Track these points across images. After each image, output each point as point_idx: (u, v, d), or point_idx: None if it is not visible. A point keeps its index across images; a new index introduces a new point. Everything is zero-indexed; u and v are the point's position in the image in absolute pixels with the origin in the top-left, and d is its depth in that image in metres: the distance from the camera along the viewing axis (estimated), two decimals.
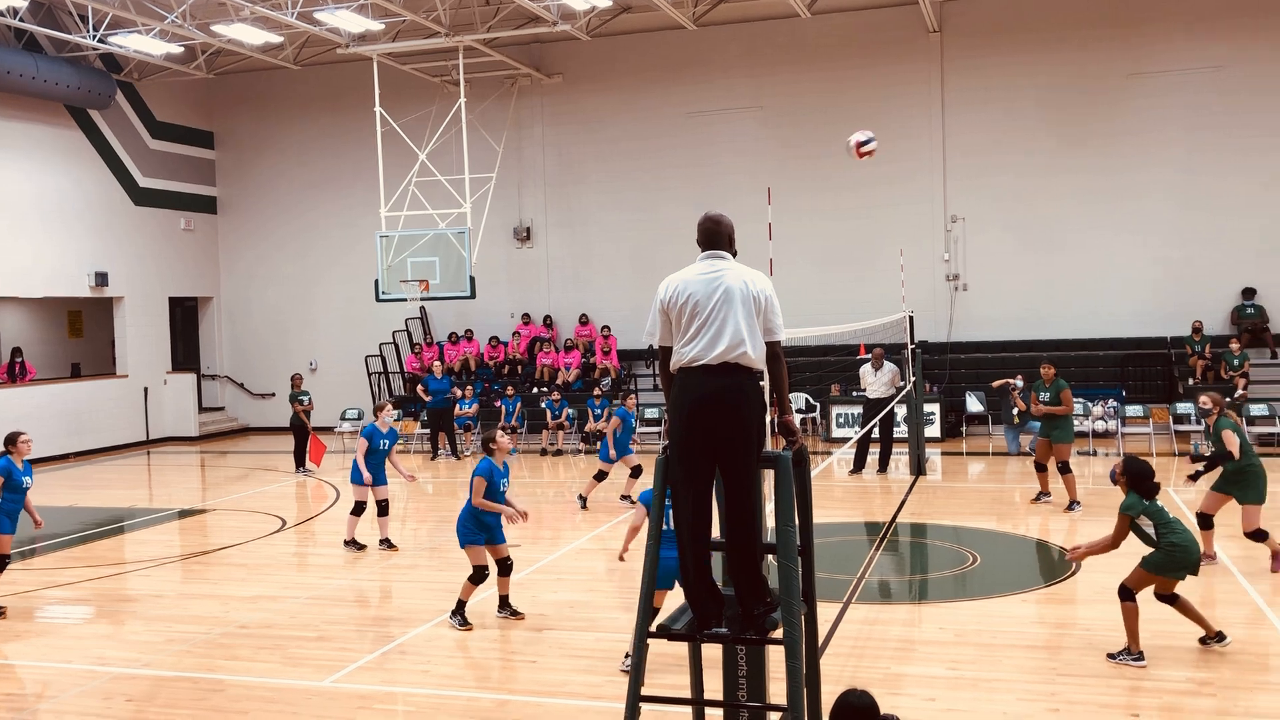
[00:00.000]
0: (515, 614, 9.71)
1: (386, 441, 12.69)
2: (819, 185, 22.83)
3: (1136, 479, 8.12)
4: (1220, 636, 8.17)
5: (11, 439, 10.48)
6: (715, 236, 5.57)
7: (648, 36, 23.55)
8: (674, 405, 5.46)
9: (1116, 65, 21.40)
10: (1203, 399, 10.84)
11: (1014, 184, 22.05)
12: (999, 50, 22.03)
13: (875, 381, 17.22)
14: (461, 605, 9.49)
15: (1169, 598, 8.16)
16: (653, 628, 5.43)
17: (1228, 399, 16.44)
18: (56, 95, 22.41)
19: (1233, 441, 10.34)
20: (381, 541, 12.77)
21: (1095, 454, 18.77)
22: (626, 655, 8.20)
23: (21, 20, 19.82)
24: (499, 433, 9.84)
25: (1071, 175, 21.74)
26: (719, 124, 23.52)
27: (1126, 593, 8.08)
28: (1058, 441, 14.02)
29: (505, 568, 9.73)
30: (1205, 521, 10.69)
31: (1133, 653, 7.98)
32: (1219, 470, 10.61)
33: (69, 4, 20.13)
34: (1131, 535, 8.13)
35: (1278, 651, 8.36)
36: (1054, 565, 11.41)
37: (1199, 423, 18.73)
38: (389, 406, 13.01)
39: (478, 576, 9.48)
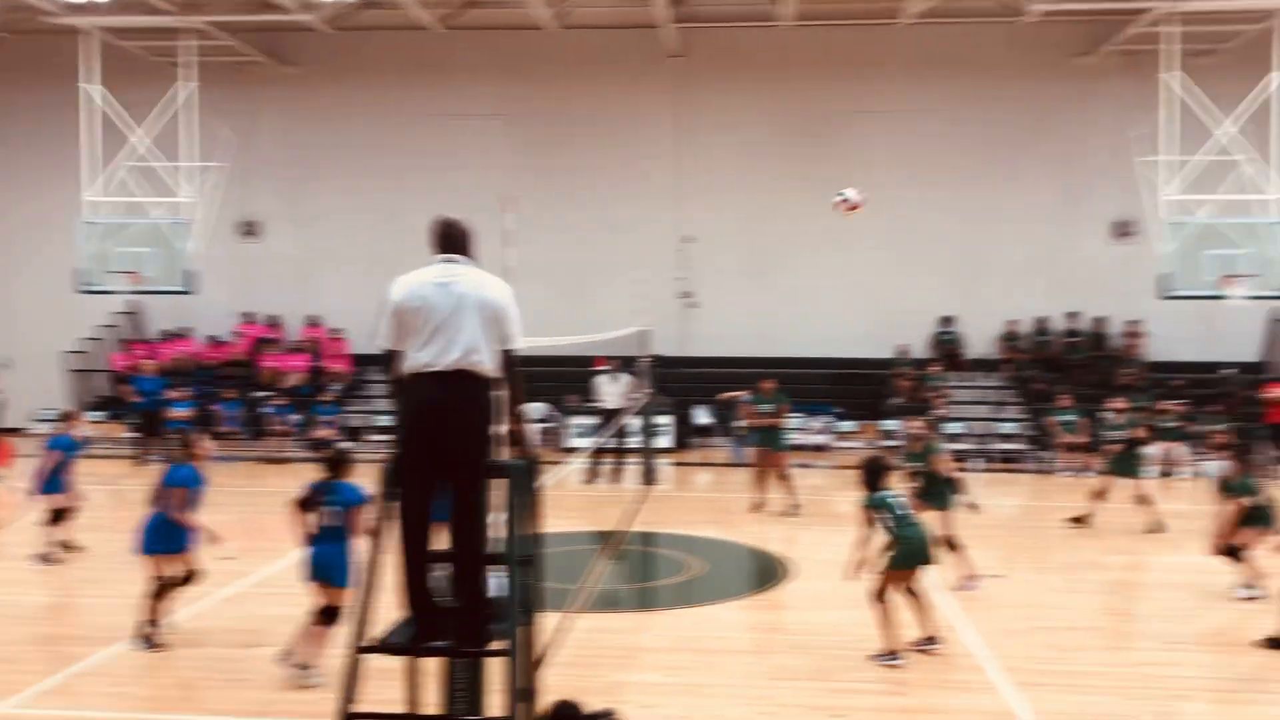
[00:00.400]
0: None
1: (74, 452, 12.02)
2: (559, 198, 23.03)
3: (863, 474, 8.82)
4: (931, 640, 8.71)
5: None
6: (452, 240, 5.47)
7: (393, 34, 23.02)
8: (402, 412, 5.32)
9: (839, 103, 22.79)
10: (911, 424, 11.69)
11: (744, 209, 23.03)
12: (735, 79, 22.97)
13: (611, 392, 17.52)
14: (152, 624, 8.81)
15: (883, 597, 8.62)
16: (368, 642, 5.26)
17: (926, 418, 17.79)
18: None
19: (943, 464, 11.06)
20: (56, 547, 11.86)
21: (812, 466, 19.82)
22: (304, 666, 7.86)
23: None
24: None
25: (797, 203, 22.92)
26: (462, 129, 23.28)
27: (876, 595, 8.55)
28: (776, 451, 14.76)
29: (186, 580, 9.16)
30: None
31: (894, 654, 8.37)
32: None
33: None
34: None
35: (964, 653, 9.06)
36: (770, 571, 11.93)
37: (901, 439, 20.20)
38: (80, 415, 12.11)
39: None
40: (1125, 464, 14.14)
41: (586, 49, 22.98)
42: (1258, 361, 22.04)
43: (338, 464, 8.25)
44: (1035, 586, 11.22)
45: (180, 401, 20.32)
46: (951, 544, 10.99)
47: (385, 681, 6.14)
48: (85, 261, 19.12)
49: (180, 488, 8.87)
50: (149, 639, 8.68)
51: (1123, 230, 22.23)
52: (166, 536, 8.86)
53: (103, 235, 19.01)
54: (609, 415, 17.45)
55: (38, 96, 23.32)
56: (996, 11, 21.59)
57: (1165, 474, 18.61)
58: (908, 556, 8.56)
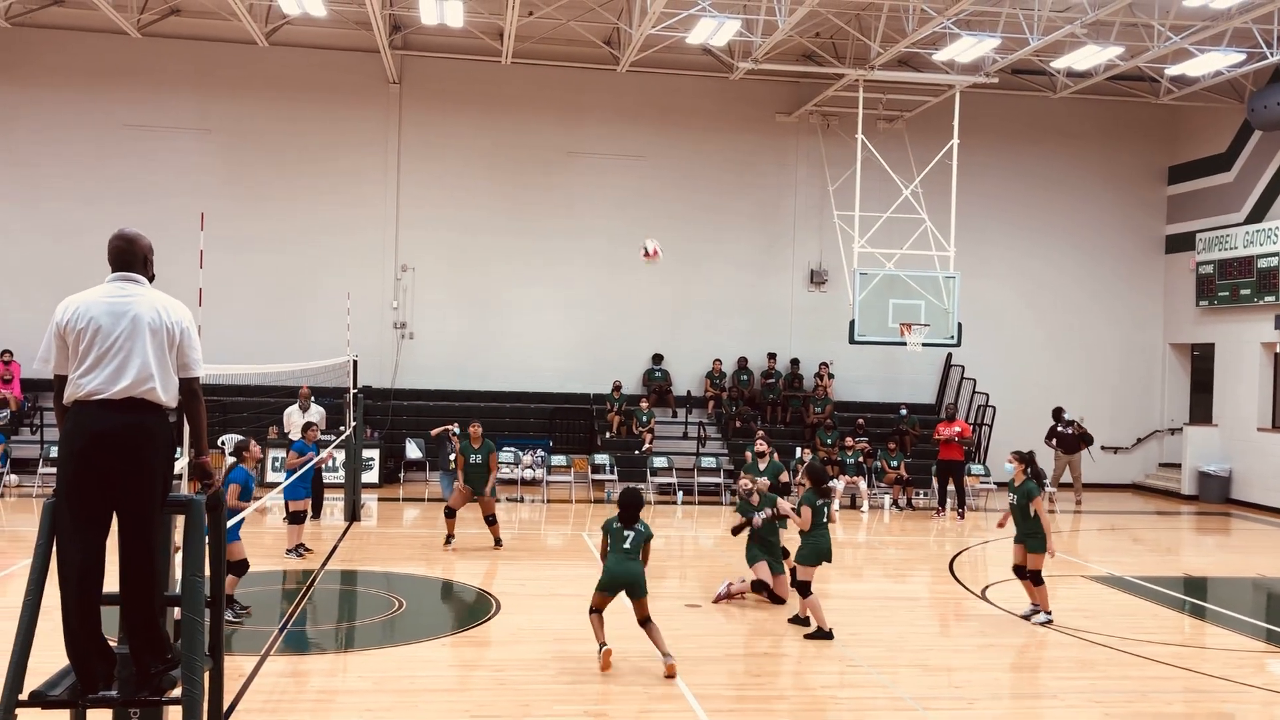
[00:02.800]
0: None
1: None
2: (267, 219, 22.11)
3: (815, 476, 10.89)
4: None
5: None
6: (128, 256, 5.09)
7: (83, 36, 21.37)
8: (66, 441, 4.87)
9: (555, 142, 23.18)
10: (759, 444, 13.68)
11: (462, 240, 22.92)
12: (455, 110, 22.89)
13: (300, 424, 16.88)
14: None
15: (804, 586, 10.55)
16: (24, 695, 4.76)
17: (636, 452, 18.30)
18: None
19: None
20: None
21: (522, 500, 19.85)
22: None
23: None
24: None
25: (513, 238, 23.08)
26: (160, 141, 21.89)
27: (804, 588, 10.54)
28: (482, 496, 14.75)
29: None
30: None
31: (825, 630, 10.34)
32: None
33: None
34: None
35: (664, 682, 9.27)
36: (476, 607, 11.79)
37: (612, 472, 20.62)
38: None
39: None
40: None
41: (300, 68, 22.23)
42: (931, 403, 24.14)
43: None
44: (736, 617, 11.65)
45: None
46: None
47: None
48: None
49: None
50: None
51: (818, 278, 23.80)
52: None
53: None
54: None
55: None
56: (708, 67, 22.70)
57: (847, 505, 20.04)
58: (814, 556, 10.71)
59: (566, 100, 23.17)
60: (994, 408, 23.16)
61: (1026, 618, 11.41)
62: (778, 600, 11.79)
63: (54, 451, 19.09)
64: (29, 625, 4.80)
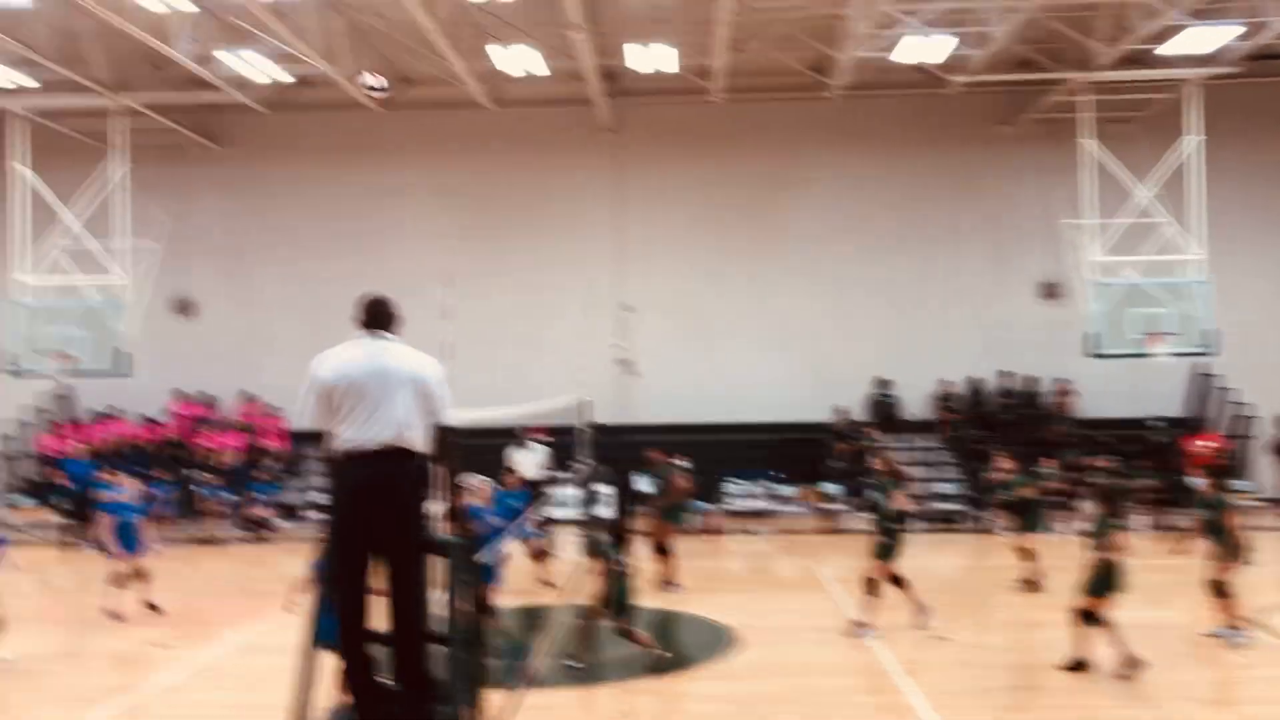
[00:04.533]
0: None
1: None
2: (498, 271, 23.18)
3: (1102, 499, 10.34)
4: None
5: None
6: (379, 317, 5.50)
7: (329, 113, 23.12)
8: (334, 492, 5.29)
9: (772, 173, 23.30)
10: (876, 462, 12.47)
11: (682, 276, 23.35)
12: (671, 151, 23.41)
13: (526, 462, 17.55)
14: None
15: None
16: None
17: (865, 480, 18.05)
18: None
19: (903, 500, 11.79)
20: None
21: (752, 533, 19.87)
22: None
23: None
24: None
25: (732, 270, 23.32)
26: (398, 206, 23.39)
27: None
28: (667, 521, 14.82)
29: None
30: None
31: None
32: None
33: None
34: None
35: (912, 717, 9.09)
36: (719, 641, 11.88)
37: (842, 500, 20.39)
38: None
39: None
40: (1027, 520, 14.47)
41: (522, 125, 23.29)
42: (1182, 416, 22.64)
43: None
44: (976, 647, 11.32)
45: (114, 485, 19.85)
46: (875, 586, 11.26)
47: None
48: (14, 343, 18.76)
49: None
50: None
51: (1050, 291, 22.85)
52: None
53: (33, 316, 18.67)
54: (530, 486, 17.45)
55: None
56: (920, 83, 22.28)
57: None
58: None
59: (779, 131, 23.28)
60: (1255, 419, 21.48)
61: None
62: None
63: (318, 497, 20.58)
64: (309, 664, 5.23)
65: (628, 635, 9.94)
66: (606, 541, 9.79)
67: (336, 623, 5.25)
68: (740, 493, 20.68)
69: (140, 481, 20.48)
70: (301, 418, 5.37)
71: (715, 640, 11.92)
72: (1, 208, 20.19)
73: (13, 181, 19.29)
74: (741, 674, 10.44)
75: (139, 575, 13.36)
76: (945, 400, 22.74)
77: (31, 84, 19.17)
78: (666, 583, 14.52)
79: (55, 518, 20.14)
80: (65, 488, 19.72)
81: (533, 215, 23.48)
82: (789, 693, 9.52)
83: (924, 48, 18.07)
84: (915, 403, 23.14)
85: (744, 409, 23.02)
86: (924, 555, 17.53)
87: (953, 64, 20.13)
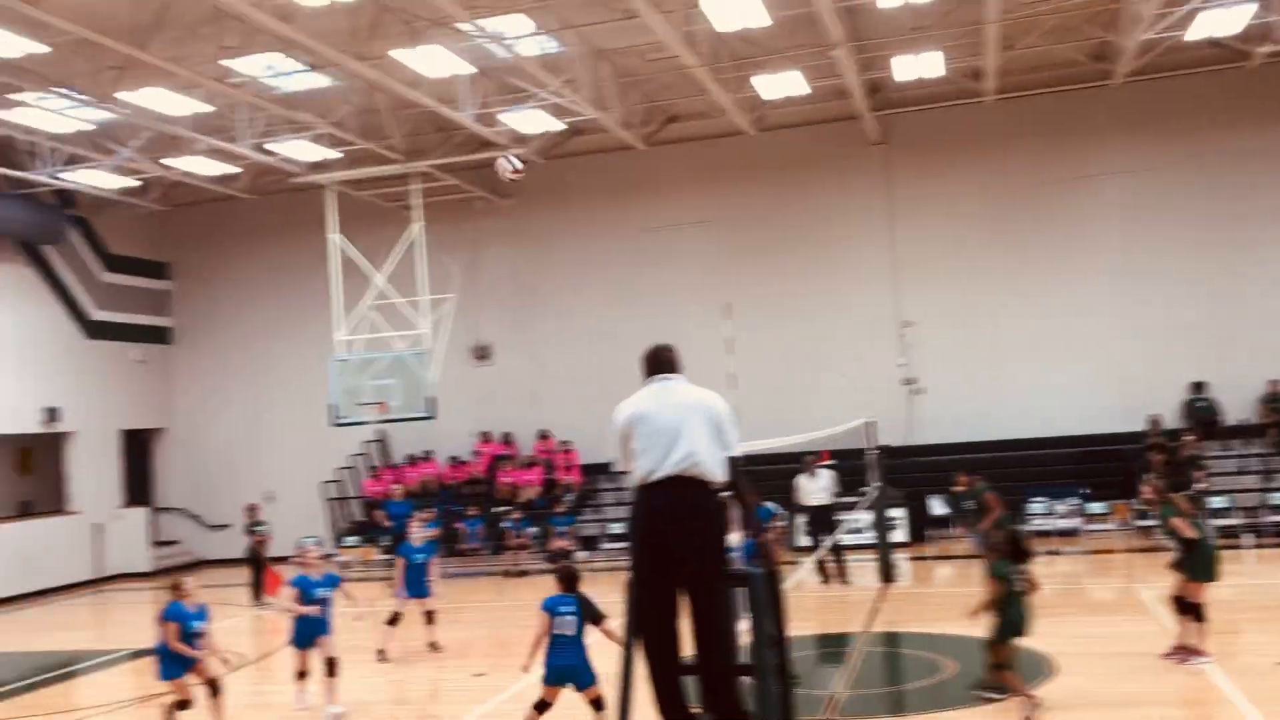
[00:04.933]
0: None
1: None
2: (775, 296, 23.16)
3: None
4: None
5: (176, 585, 10.33)
6: (663, 363, 5.67)
7: (600, 157, 24.01)
8: (632, 522, 5.39)
9: (1054, 171, 22.09)
10: (1143, 489, 11.24)
11: (963, 287, 22.48)
12: (943, 160, 22.69)
13: (813, 489, 17.29)
14: None
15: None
16: None
17: (1187, 492, 16.62)
18: (7, 232, 22.37)
19: (1182, 527, 10.50)
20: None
21: (1059, 553, 18.75)
22: None
23: None
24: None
25: (1016, 276, 22.23)
26: (672, 239, 23.88)
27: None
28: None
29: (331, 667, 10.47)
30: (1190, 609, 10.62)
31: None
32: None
33: (21, 141, 20.20)
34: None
35: None
36: (1031, 667, 11.25)
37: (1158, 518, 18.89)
38: (310, 547, 11.48)
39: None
40: None
41: (787, 148, 23.25)
42: None
43: (569, 578, 9.04)
44: None
45: (428, 522, 21.29)
46: (1185, 610, 10.34)
47: None
48: (337, 396, 20.50)
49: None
50: None
51: None
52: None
53: (352, 371, 20.34)
54: (816, 513, 17.20)
55: (290, 248, 25.54)
56: (1216, 60, 20.54)
57: None
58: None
59: (1057, 126, 22.07)
60: None
61: None
62: None
63: (613, 529, 21.22)
64: (626, 691, 5.33)
65: (1003, 668, 9.34)
66: (1005, 561, 9.34)
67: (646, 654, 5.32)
68: (1045, 511, 19.55)
69: (447, 518, 21.86)
70: (619, 466, 5.62)
71: (1030, 668, 11.27)
72: (320, 274, 22.17)
73: (330, 250, 21.13)
74: (1064, 704, 9.80)
75: (427, 617, 13.97)
76: (1273, 402, 20.65)
77: (333, 155, 21.02)
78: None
79: (378, 555, 21.76)
80: (385, 527, 21.27)
81: (805, 237, 23.35)
82: None
83: (1220, 20, 16.65)
84: (1239, 406, 21.13)
85: (1041, 423, 21.81)
86: (1255, 572, 15.96)
87: (1251, 34, 18.43)
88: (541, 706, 8.84)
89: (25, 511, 25.30)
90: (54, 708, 12.38)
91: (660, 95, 21.86)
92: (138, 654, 15.65)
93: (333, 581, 11.09)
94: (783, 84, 19.08)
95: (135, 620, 19.79)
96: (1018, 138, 22.29)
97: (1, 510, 24.98)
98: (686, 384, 5.61)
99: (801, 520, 18.57)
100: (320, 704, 10.79)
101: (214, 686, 10.09)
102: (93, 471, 24.72)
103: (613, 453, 5.65)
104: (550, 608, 8.86)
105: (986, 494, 14.48)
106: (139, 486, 26.39)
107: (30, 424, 23.40)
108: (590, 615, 8.83)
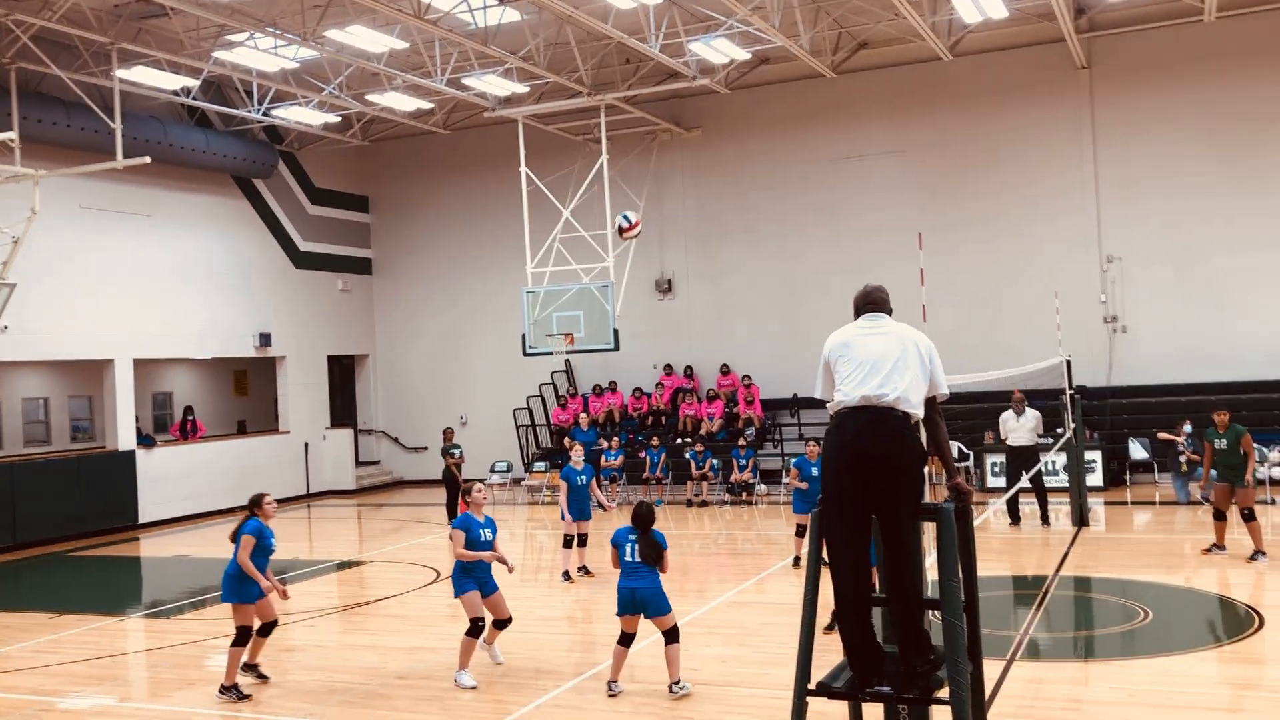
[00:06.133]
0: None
1: (488, 532, 9.92)
2: (967, 228, 22.37)
3: None
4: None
5: (257, 500, 9.89)
6: (876, 302, 5.62)
7: (786, 87, 23.59)
8: (830, 448, 5.37)
9: (1272, 96, 20.41)
10: None
11: (1173, 220, 21.16)
12: (1152, 83, 21.28)
13: (1018, 428, 16.66)
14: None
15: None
16: (812, 685, 5.32)
17: None
18: (224, 167, 23.79)
19: None
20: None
21: (1273, 502, 17.67)
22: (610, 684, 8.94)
23: (194, 98, 21.16)
24: (475, 486, 10.10)
25: (1231, 208, 20.76)
26: (860, 170, 23.32)
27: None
28: (1240, 487, 13.24)
29: (502, 624, 10.06)
30: None
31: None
32: None
33: (235, 81, 21.36)
34: None
35: None
36: (1237, 621, 10.72)
37: None
38: (478, 486, 10.23)
39: (475, 630, 9.63)
40: None
41: (984, 74, 22.27)
42: None
43: (639, 517, 9.06)
44: None
45: (611, 451, 21.79)
46: None
47: None
48: (527, 326, 21.08)
49: (460, 531, 9.78)
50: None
51: None
52: (468, 576, 9.77)
53: (541, 302, 20.86)
54: (1017, 453, 16.57)
55: (482, 182, 26.26)
56: None
57: None
58: None
59: None
60: None
61: None
62: None
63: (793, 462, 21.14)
64: (810, 623, 5.36)
65: None
66: None
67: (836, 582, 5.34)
68: (1259, 459, 18.37)
69: (631, 448, 22.27)
70: (818, 394, 5.60)
71: (1236, 621, 10.73)
72: (511, 207, 22.74)
73: (520, 183, 21.60)
74: (1266, 657, 9.31)
75: (580, 540, 14.15)
76: None
77: (522, 90, 21.37)
78: (1259, 552, 13.17)
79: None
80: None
81: (1001, 168, 22.40)
82: None
83: None
84: None
85: (1254, 364, 20.49)
86: None
87: None
88: (624, 640, 9.04)
89: (241, 430, 27.23)
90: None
91: (850, 21, 21.23)
92: (342, 565, 16.72)
93: (493, 526, 10.10)
94: (982, 5, 18.19)
95: (340, 534, 21.12)
96: (1239, 59, 20.65)
97: (220, 428, 26.96)
98: (895, 322, 5.57)
99: (1001, 459, 18.07)
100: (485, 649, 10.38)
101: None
102: (301, 394, 26.30)
103: (796, 385, 5.64)
104: (617, 541, 9.07)
105: (1245, 436, 13.42)
106: (344, 409, 27.96)
107: (245, 348, 25.04)
108: (648, 550, 8.87)
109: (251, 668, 10.03)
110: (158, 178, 22.25)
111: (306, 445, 26.16)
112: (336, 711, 9.06)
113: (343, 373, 28.17)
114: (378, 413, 28.31)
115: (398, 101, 22.22)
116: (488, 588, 9.82)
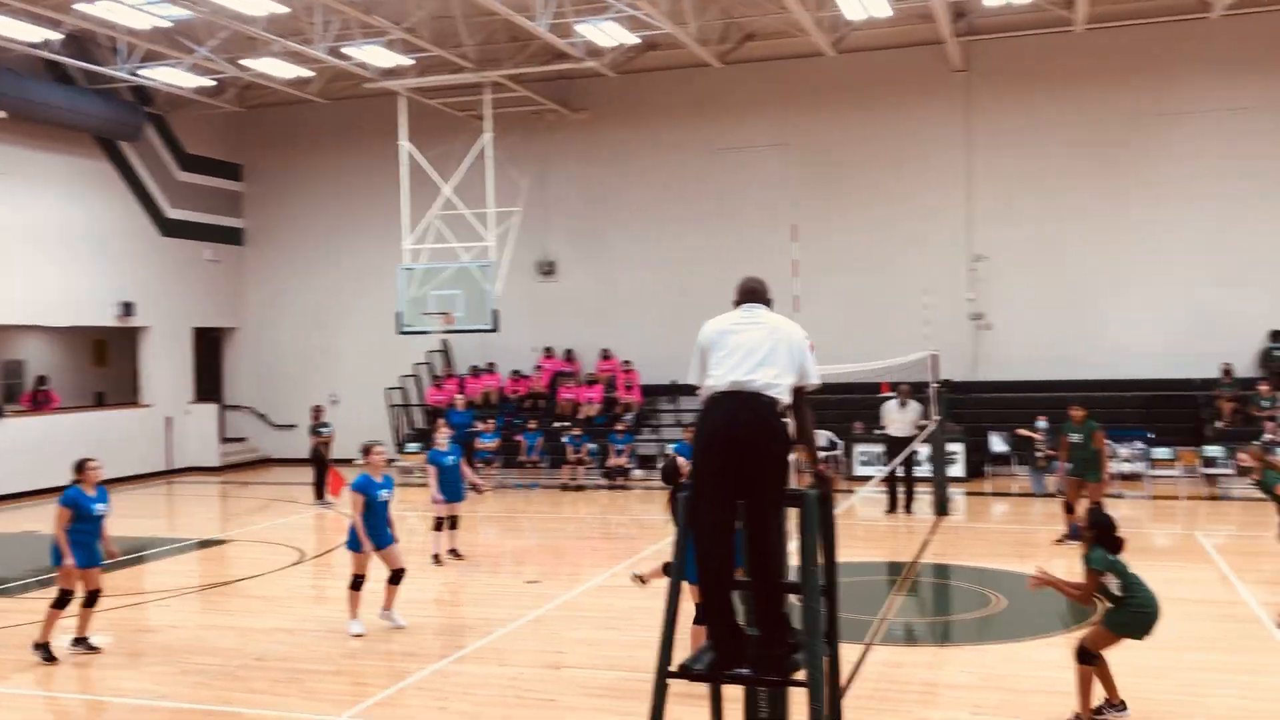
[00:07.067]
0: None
1: (385, 492, 10.57)
2: (843, 223, 22.83)
3: (1102, 531, 7.67)
4: (1122, 705, 7.63)
5: (79, 465, 10.02)
6: (753, 293, 5.68)
7: (674, 74, 23.67)
8: (698, 433, 5.41)
9: (1143, 105, 21.36)
10: (1240, 457, 10.37)
11: (1041, 223, 21.95)
12: (1026, 90, 22.02)
13: (899, 419, 17.07)
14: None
15: (1092, 657, 7.55)
16: (673, 667, 5.35)
17: (1257, 442, 16.22)
18: (86, 127, 22.70)
19: None
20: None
21: (1121, 496, 18.53)
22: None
23: (55, 52, 20.12)
24: (375, 446, 10.66)
25: (1099, 214, 21.66)
26: (744, 161, 23.56)
27: (1085, 655, 7.53)
28: (1091, 481, 13.83)
29: (397, 577, 10.59)
30: None
31: (1082, 716, 7.46)
32: None
33: (102, 37, 20.40)
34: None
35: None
36: (1082, 609, 11.18)
37: (1225, 465, 18.54)
38: (378, 448, 10.78)
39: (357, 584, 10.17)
40: None
41: (866, 71, 22.71)
42: None
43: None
44: None
45: (487, 433, 21.60)
46: None
47: (693, 705, 6.27)
48: (403, 304, 20.71)
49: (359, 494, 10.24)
50: None
51: None
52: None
53: (418, 280, 20.52)
54: (896, 443, 17.01)
55: (361, 155, 25.67)
56: None
57: None
58: (1135, 626, 7.49)
59: (1150, 59, 21.27)
60: None
61: None
62: None
63: (674, 448, 21.31)
64: (674, 606, 5.38)
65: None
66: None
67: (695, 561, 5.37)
68: (1109, 454, 19.23)
69: (507, 431, 22.14)
70: (691, 380, 5.61)
71: (1081, 609, 11.18)
72: (390, 182, 22.29)
73: (401, 157, 21.20)
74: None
75: (451, 523, 14.00)
76: None
77: (405, 62, 20.94)
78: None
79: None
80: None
81: (878, 165, 22.91)
82: (1161, 666, 8.79)
83: None
84: None
85: (1110, 365, 21.44)
86: None
87: None
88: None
89: (100, 402, 26.13)
90: (122, 589, 12.84)
91: (738, 11, 21.40)
92: (203, 544, 16.20)
93: (390, 484, 10.75)
94: (866, 4, 18.52)
95: (202, 511, 20.47)
96: (1106, 70, 21.53)
97: (77, 399, 25.81)
98: (771, 313, 5.62)
99: (872, 449, 18.48)
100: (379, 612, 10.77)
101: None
102: (165, 366, 25.37)
103: (675, 372, 5.67)
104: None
105: (1098, 432, 13.95)
106: (209, 384, 27.06)
107: (105, 317, 24.01)
108: None
109: (81, 641, 9.80)
110: (13, 135, 21.12)
111: (169, 420, 25.25)
112: (190, 693, 8.78)
113: (209, 346, 27.26)
114: (245, 388, 27.50)
115: (275, 68, 21.54)
116: (384, 540, 10.37)
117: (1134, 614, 7.45)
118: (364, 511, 10.27)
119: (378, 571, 10.61)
